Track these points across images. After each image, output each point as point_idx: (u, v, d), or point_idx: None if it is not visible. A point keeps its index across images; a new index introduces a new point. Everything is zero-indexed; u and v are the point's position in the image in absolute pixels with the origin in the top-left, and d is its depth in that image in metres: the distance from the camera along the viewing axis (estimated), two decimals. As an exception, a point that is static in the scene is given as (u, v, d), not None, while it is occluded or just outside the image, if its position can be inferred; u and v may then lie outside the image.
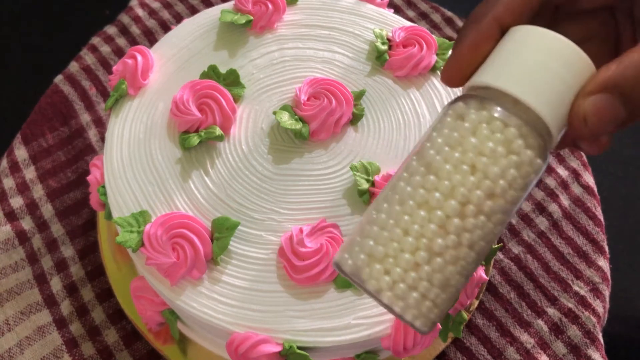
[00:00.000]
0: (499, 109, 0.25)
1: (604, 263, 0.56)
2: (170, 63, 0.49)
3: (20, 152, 0.59)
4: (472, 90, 0.27)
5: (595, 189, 0.60)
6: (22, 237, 0.54)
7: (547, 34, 0.26)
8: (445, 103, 0.49)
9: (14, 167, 0.58)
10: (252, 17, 0.51)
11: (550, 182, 0.60)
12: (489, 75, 0.26)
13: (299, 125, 0.45)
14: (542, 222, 0.58)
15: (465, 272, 0.26)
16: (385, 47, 0.50)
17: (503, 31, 0.27)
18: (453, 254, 0.25)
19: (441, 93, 0.49)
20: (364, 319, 0.39)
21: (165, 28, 0.69)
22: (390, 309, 0.26)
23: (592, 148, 0.27)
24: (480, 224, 0.25)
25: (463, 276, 0.26)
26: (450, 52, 0.28)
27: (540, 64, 0.25)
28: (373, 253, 0.26)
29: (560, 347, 0.52)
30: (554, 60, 0.25)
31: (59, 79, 0.64)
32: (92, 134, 0.61)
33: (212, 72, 0.47)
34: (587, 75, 0.25)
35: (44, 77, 0.65)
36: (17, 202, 0.56)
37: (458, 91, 0.50)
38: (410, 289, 0.25)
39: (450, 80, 0.28)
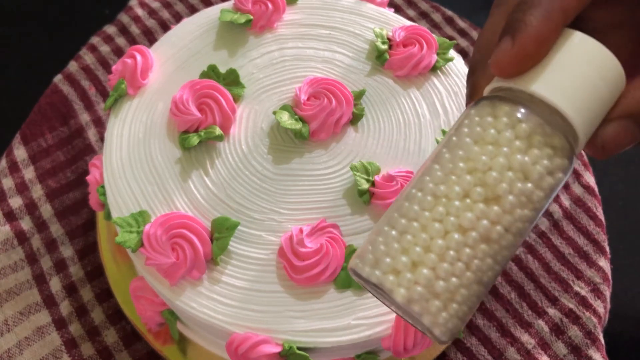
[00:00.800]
0: (537, 119, 0.24)
1: (604, 263, 0.56)
2: (169, 63, 0.49)
3: (20, 152, 0.59)
4: (505, 91, 0.26)
5: (596, 189, 0.60)
6: (21, 237, 0.54)
7: (595, 46, 0.25)
8: (446, 103, 0.49)
9: (13, 167, 0.58)
10: (251, 17, 0.50)
11: (551, 182, 0.60)
12: (542, 85, 0.25)
13: (299, 125, 0.45)
14: (542, 222, 0.58)
15: (489, 284, 0.25)
16: (385, 47, 0.50)
17: (566, 22, 0.25)
18: (489, 276, 0.25)
19: (442, 93, 0.49)
20: (364, 319, 0.39)
21: (165, 28, 0.69)
22: (417, 320, 0.25)
23: (597, 154, 0.27)
24: (508, 243, 0.25)
25: (487, 288, 0.25)
26: (504, 37, 0.25)
27: (588, 80, 0.24)
28: (400, 263, 0.25)
29: (561, 348, 0.52)
30: (597, 74, 0.24)
31: (58, 78, 0.64)
32: (91, 133, 0.61)
33: (211, 72, 0.47)
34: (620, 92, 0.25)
35: (43, 77, 0.65)
36: (16, 202, 0.56)
37: (461, 86, 0.50)
38: (445, 307, 0.24)
39: (505, 71, 0.25)
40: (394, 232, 0.25)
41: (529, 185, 0.24)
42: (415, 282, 0.24)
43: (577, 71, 0.24)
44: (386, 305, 0.27)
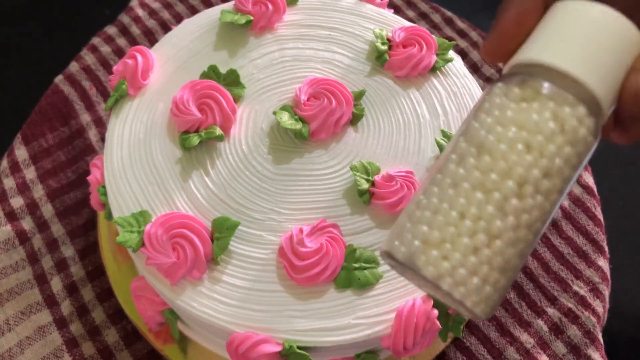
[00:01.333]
0: (549, 85, 0.25)
1: (603, 263, 0.56)
2: (170, 63, 0.49)
3: (21, 152, 0.59)
4: (517, 68, 0.26)
5: (595, 189, 0.60)
6: (23, 237, 0.54)
7: (595, 7, 0.25)
8: (446, 103, 0.49)
9: (14, 167, 0.58)
10: (252, 18, 0.51)
11: (550, 182, 0.60)
12: (538, 51, 0.25)
13: (299, 125, 0.45)
14: (542, 222, 0.58)
15: (523, 255, 0.25)
16: (385, 47, 0.50)
17: (546, 6, 0.26)
18: (512, 236, 0.24)
19: (441, 93, 0.49)
20: (364, 318, 0.39)
21: (166, 28, 0.69)
22: (449, 296, 0.25)
23: (622, 138, 0.27)
24: (538, 204, 0.25)
25: (521, 259, 0.25)
26: (492, 25, 0.27)
27: (590, 38, 0.24)
28: (428, 239, 0.25)
29: (560, 347, 0.52)
30: (604, 34, 0.24)
31: (59, 79, 0.64)
32: (92, 134, 0.61)
33: (212, 72, 0.47)
34: (639, 49, 0.25)
35: (44, 77, 0.65)
36: (17, 202, 0.56)
37: (460, 86, 0.50)
38: (470, 274, 0.24)
39: (491, 55, 0.27)
40: (419, 213, 0.26)
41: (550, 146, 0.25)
42: (446, 256, 0.24)
43: (579, 33, 0.25)
44: (420, 284, 0.27)
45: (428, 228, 0.25)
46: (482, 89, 0.53)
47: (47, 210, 0.56)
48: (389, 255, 0.26)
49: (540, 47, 0.25)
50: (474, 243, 0.24)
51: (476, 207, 0.25)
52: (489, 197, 0.24)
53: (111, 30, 0.69)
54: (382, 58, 0.50)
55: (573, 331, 0.52)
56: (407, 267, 0.25)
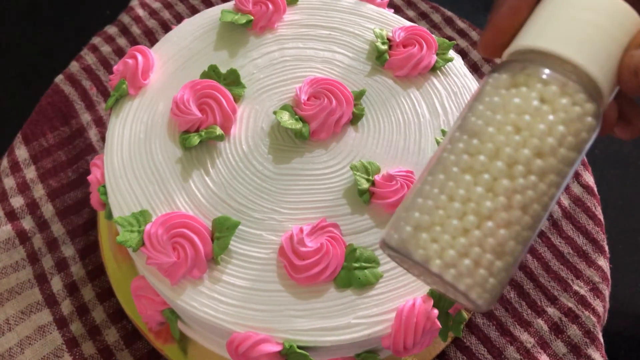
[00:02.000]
0: (541, 69, 0.25)
1: (603, 263, 0.56)
2: (170, 63, 0.49)
3: (21, 152, 0.59)
4: (513, 56, 0.26)
5: (595, 189, 0.60)
6: (23, 236, 0.54)
7: None
8: (446, 103, 0.49)
9: (15, 167, 0.58)
10: (252, 17, 0.51)
11: (550, 181, 0.60)
12: (528, 38, 0.25)
13: (299, 125, 0.45)
14: (542, 222, 0.58)
15: (520, 239, 0.25)
16: (385, 47, 0.50)
17: None
18: (504, 217, 0.24)
19: (441, 93, 0.49)
20: (364, 318, 0.39)
21: (166, 28, 0.69)
22: (441, 280, 0.24)
23: (626, 132, 0.27)
24: (531, 184, 0.24)
25: (519, 243, 0.25)
26: (487, 20, 0.27)
27: (584, 21, 0.24)
28: (419, 223, 0.25)
29: (560, 347, 0.52)
30: (599, 16, 0.24)
31: (59, 78, 0.64)
32: (92, 133, 0.61)
33: (212, 72, 0.47)
34: (636, 29, 0.25)
35: (44, 77, 0.65)
36: (17, 201, 0.56)
37: (460, 86, 0.50)
38: (460, 255, 0.24)
39: (488, 48, 0.27)
40: (412, 200, 0.26)
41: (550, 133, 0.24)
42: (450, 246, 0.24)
43: (572, 17, 0.25)
44: (418, 274, 0.27)
45: (419, 213, 0.25)
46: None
47: (48, 209, 0.56)
48: (384, 244, 0.26)
49: (534, 34, 0.25)
50: (464, 225, 0.24)
51: (465, 189, 0.24)
52: (477, 178, 0.24)
53: (111, 30, 0.69)
54: (382, 58, 0.50)
55: (573, 331, 0.52)
56: (401, 254, 0.25)
